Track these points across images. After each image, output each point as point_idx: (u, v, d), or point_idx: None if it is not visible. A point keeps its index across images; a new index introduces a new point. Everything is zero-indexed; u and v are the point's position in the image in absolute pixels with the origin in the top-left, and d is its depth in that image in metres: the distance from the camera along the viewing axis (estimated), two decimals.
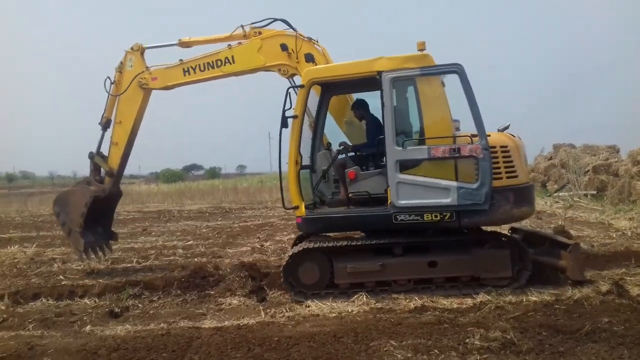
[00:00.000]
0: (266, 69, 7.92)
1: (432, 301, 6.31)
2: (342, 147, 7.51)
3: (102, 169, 8.98)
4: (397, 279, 6.75)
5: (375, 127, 7.36)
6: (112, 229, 9.64)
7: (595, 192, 17.03)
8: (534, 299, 6.19)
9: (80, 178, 9.04)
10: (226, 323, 5.93)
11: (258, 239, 12.56)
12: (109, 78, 8.75)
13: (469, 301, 6.26)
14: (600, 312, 5.50)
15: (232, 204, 24.66)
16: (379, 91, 6.70)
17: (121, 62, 8.76)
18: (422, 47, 6.64)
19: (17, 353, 5.06)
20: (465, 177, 6.41)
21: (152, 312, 6.69)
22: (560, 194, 18.13)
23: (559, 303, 5.92)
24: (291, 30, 7.85)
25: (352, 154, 7.57)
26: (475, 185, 6.36)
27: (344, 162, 7.39)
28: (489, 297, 6.29)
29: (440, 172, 6.48)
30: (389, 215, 6.58)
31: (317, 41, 7.86)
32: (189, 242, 12.57)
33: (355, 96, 7.94)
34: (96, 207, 8.69)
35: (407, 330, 5.24)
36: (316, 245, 6.90)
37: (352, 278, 6.75)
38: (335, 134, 8.09)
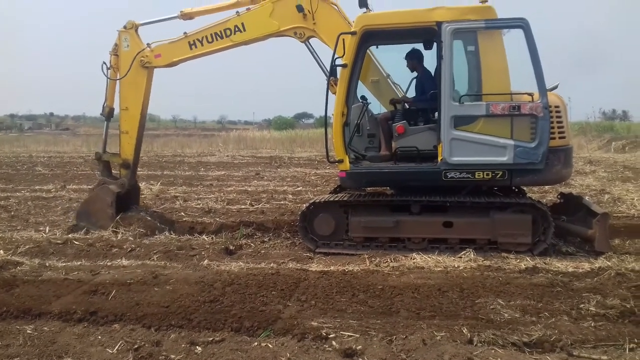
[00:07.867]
0: (280, 34, 7.45)
1: (545, 263, 6.04)
2: (394, 100, 7.45)
3: (112, 166, 8.47)
4: (412, 236, 6.72)
5: (427, 81, 7.09)
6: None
7: None
8: None
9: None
10: (332, 268, 6.09)
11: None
12: (105, 63, 8.04)
13: (585, 266, 5.93)
14: None
15: None
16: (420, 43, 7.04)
17: (115, 44, 8.07)
18: None
19: (143, 280, 5.56)
20: (519, 135, 6.25)
21: (263, 251, 7.03)
22: None
23: None
24: None
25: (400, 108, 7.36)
26: (533, 144, 6.22)
27: (390, 116, 7.17)
28: (609, 263, 5.90)
29: (495, 129, 6.31)
30: (439, 172, 6.45)
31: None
32: (299, 188, 12.96)
33: (396, 47, 7.63)
34: (119, 206, 8.02)
35: (516, 290, 5.07)
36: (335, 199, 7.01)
37: (366, 232, 6.82)
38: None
